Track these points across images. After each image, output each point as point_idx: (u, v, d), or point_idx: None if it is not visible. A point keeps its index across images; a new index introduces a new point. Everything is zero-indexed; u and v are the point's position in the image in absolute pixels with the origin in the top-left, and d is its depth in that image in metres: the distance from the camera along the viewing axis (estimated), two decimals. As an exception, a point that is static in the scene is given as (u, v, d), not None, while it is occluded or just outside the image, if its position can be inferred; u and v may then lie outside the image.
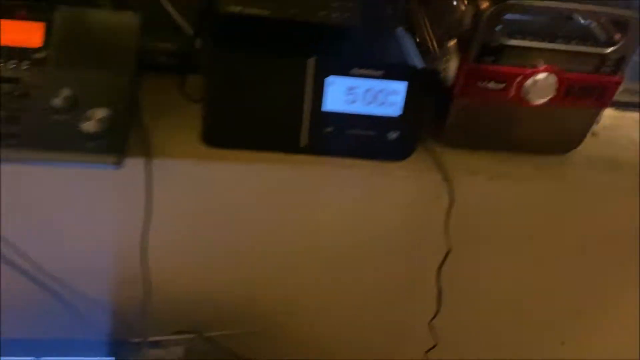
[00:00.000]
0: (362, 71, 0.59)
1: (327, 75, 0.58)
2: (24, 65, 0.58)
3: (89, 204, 0.63)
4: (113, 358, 0.71)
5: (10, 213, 0.63)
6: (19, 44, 0.58)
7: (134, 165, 0.58)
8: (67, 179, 0.61)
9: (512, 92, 0.60)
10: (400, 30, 0.66)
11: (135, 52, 0.60)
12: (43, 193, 0.62)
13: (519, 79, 0.59)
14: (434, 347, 0.82)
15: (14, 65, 0.58)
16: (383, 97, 0.60)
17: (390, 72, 0.59)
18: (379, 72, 0.59)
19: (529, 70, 0.58)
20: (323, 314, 0.81)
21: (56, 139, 0.55)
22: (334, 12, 0.60)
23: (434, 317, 0.78)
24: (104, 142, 0.56)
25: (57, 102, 0.56)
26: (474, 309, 0.80)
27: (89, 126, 0.55)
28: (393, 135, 0.62)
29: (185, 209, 0.64)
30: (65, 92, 0.56)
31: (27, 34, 0.59)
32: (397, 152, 0.63)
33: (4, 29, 0.59)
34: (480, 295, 0.78)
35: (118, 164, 0.56)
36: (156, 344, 0.76)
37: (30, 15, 0.59)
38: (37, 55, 0.58)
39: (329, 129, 0.61)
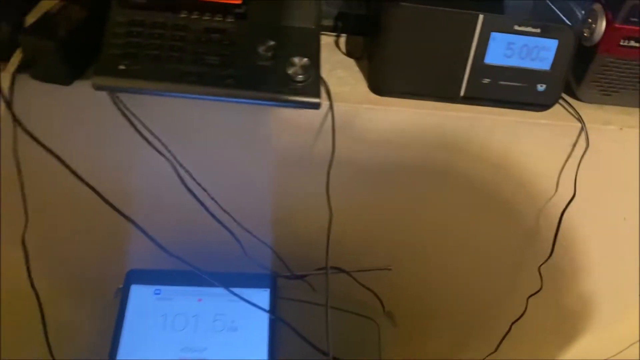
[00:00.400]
0: (522, 29, 0.67)
1: (492, 31, 0.67)
2: (229, 19, 0.65)
3: (268, 143, 0.71)
4: (268, 289, 0.79)
5: (193, 146, 0.71)
6: (222, 0, 0.66)
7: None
8: (263, 118, 0.69)
9: (651, 50, 0.69)
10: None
11: (320, 7, 0.68)
12: (232, 132, 0.70)
13: (659, 38, 0.67)
14: (538, 291, 0.91)
15: (220, 19, 0.65)
16: (536, 53, 0.69)
17: (545, 31, 0.67)
18: (536, 30, 0.67)
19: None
20: (438, 258, 0.90)
21: (267, 82, 0.63)
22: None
23: (545, 261, 0.86)
24: (307, 85, 0.64)
25: (262, 50, 0.64)
26: (583, 260, 0.89)
27: (294, 72, 0.63)
28: (541, 87, 0.70)
29: (356, 152, 0.72)
30: (269, 41, 0.64)
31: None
32: (542, 102, 0.72)
33: (206, -13, 0.66)
34: (595, 244, 0.87)
35: (318, 106, 0.64)
36: (301, 277, 0.84)
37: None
38: (238, 10, 0.66)
39: (487, 80, 0.69)
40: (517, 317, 0.95)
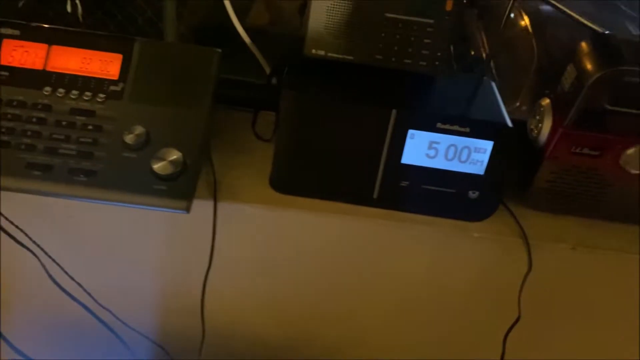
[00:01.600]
0: (447, 127, 0.55)
1: (409, 128, 0.55)
2: (100, 98, 0.56)
3: (149, 240, 0.62)
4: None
5: (69, 243, 0.62)
6: (96, 75, 0.57)
7: (202, 207, 0.57)
8: (129, 215, 0.60)
9: (609, 159, 0.55)
10: (486, 81, 0.62)
11: (213, 90, 0.58)
12: (104, 226, 0.61)
13: (618, 147, 0.54)
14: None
15: (90, 97, 0.57)
16: (466, 154, 0.57)
17: (477, 130, 0.55)
18: (465, 129, 0.55)
19: (631, 138, 0.54)
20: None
21: (127, 178, 0.54)
22: (420, 61, 0.57)
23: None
24: (174, 186, 0.54)
25: (130, 138, 0.55)
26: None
27: (160, 167, 0.53)
28: (474, 194, 0.58)
29: (248, 253, 0.61)
30: (138, 129, 0.55)
31: (104, 64, 0.57)
32: (476, 212, 0.59)
33: (82, 59, 0.58)
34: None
35: (187, 209, 0.54)
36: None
37: (109, 46, 0.58)
38: (113, 88, 0.57)
39: (405, 183, 0.58)
40: None
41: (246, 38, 0.65)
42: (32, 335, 0.61)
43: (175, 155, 0.54)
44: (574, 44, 0.57)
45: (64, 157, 0.54)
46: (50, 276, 0.61)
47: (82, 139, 0.55)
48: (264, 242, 0.61)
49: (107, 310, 0.64)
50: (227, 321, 0.65)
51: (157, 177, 0.53)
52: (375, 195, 0.59)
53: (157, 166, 0.53)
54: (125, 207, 0.57)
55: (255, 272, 0.63)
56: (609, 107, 0.53)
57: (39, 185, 0.52)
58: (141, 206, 0.53)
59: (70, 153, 0.54)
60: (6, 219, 0.57)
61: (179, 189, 0.54)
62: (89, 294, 0.63)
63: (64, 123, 0.55)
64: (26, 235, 0.59)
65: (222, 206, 0.58)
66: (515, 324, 0.64)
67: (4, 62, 0.57)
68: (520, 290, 0.61)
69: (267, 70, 0.66)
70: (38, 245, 0.59)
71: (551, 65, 0.65)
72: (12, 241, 0.58)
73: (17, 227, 0.58)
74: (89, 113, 0.56)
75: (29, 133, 0.54)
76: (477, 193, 0.58)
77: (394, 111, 0.54)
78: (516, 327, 0.64)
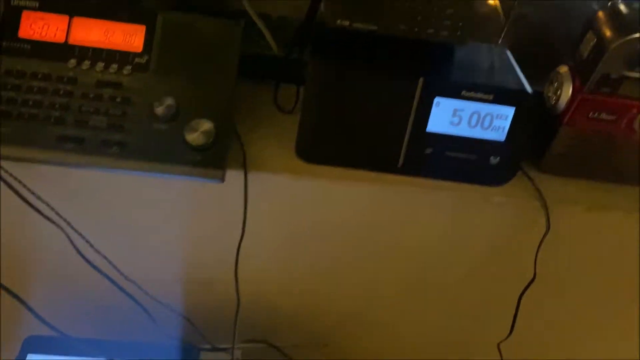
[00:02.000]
0: (471, 94, 0.57)
1: (435, 96, 0.57)
2: (126, 70, 0.56)
3: (178, 210, 0.62)
4: (181, 361, 0.71)
5: (97, 214, 0.62)
6: (119, 47, 0.57)
7: (231, 177, 0.57)
8: (155, 187, 0.60)
9: (624, 124, 0.58)
10: (503, 50, 0.64)
11: (238, 62, 0.58)
12: (133, 197, 0.61)
13: (634, 111, 0.57)
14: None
15: (115, 70, 0.56)
16: (489, 121, 0.58)
17: (500, 97, 0.57)
18: (489, 96, 0.57)
19: (645, 103, 0.56)
20: (394, 331, 0.80)
21: (160, 149, 0.54)
22: (443, 30, 0.58)
23: (504, 340, 0.76)
24: (208, 156, 0.54)
25: (160, 110, 0.55)
26: (543, 341, 0.79)
27: (193, 138, 0.54)
28: (494, 160, 0.60)
29: (275, 222, 0.62)
30: (168, 100, 0.55)
31: (127, 37, 0.57)
32: (496, 177, 0.61)
33: (104, 30, 0.57)
34: (555, 328, 0.77)
35: (222, 178, 0.54)
36: (222, 350, 0.75)
37: (132, 17, 0.57)
38: (138, 60, 0.57)
39: (430, 151, 0.59)
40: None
41: (254, 16, 0.65)
42: (61, 309, 0.61)
43: (207, 126, 0.54)
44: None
45: (94, 130, 0.53)
46: (77, 250, 0.60)
47: (111, 111, 0.54)
48: (291, 211, 0.62)
49: (134, 283, 0.64)
50: (255, 292, 0.65)
51: (191, 148, 0.54)
52: (400, 164, 0.60)
53: (190, 137, 0.54)
54: (152, 179, 0.57)
55: (281, 241, 0.64)
56: (626, 73, 0.55)
57: (72, 157, 0.52)
58: (176, 176, 0.54)
59: (101, 125, 0.54)
60: (32, 192, 0.57)
61: (213, 158, 0.54)
62: (115, 267, 0.63)
63: (91, 95, 0.55)
64: (52, 208, 0.58)
65: (250, 176, 0.58)
66: (530, 284, 0.67)
67: (25, 35, 0.56)
68: (537, 252, 0.64)
69: (274, 47, 0.67)
70: (64, 219, 0.59)
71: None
72: (38, 215, 0.58)
73: (42, 200, 0.58)
74: (116, 85, 0.56)
75: (56, 106, 0.54)
76: (497, 159, 0.60)
77: (421, 79, 0.56)
78: (531, 288, 0.67)
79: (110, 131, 0.54)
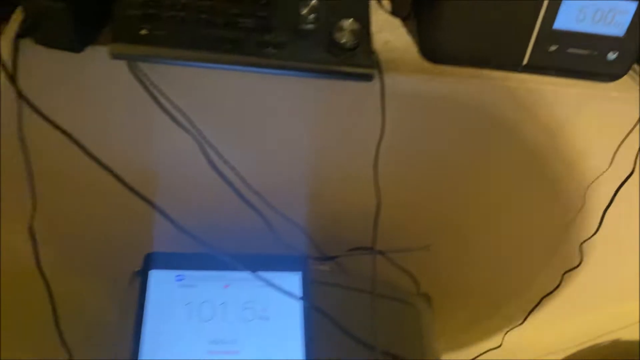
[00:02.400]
0: (599, -10, 0.59)
1: (566, -8, 0.59)
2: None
3: (306, 118, 0.64)
4: (300, 272, 0.73)
5: (220, 121, 0.63)
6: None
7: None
8: (289, 90, 0.61)
9: None
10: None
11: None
12: (263, 102, 0.62)
13: None
14: (576, 267, 0.86)
15: (254, -28, 0.56)
16: (611, 17, 0.61)
17: (622, -8, 0.59)
18: (613, -8, 0.59)
19: None
20: (477, 234, 0.84)
21: (311, 49, 0.54)
22: None
23: (589, 238, 0.81)
24: (357, 53, 0.55)
25: (305, 10, 0.55)
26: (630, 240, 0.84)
27: (342, 37, 0.54)
28: (613, 55, 0.63)
29: (406, 126, 0.64)
30: (312, 1, 0.55)
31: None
32: (612, 72, 0.64)
33: None
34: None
35: (372, 76, 0.56)
36: (333, 259, 0.78)
37: None
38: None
39: (554, 48, 0.62)
40: (550, 291, 0.91)
41: None
42: (188, 212, 0.62)
43: (354, 25, 0.55)
44: None
45: (246, 32, 0.53)
46: (207, 159, 0.61)
47: (258, 13, 0.54)
48: (415, 112, 0.64)
49: (262, 197, 0.66)
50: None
51: (340, 47, 0.54)
52: (524, 62, 0.62)
53: (339, 36, 0.54)
54: (290, 85, 0.58)
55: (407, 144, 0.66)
56: None
57: (231, 58, 0.52)
58: (329, 75, 0.55)
59: (251, 27, 0.54)
60: (167, 98, 0.57)
61: (362, 57, 0.55)
62: (242, 178, 0.65)
63: (235, -2, 0.55)
64: (184, 114, 0.59)
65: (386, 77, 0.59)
66: (628, 178, 0.72)
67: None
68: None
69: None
70: (195, 126, 0.60)
71: None
72: (170, 121, 0.58)
73: (176, 106, 0.58)
74: (258, -13, 0.55)
75: (203, 8, 0.54)
76: (616, 54, 0.63)
77: (556, -25, 0.57)
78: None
79: (261, 32, 0.54)
